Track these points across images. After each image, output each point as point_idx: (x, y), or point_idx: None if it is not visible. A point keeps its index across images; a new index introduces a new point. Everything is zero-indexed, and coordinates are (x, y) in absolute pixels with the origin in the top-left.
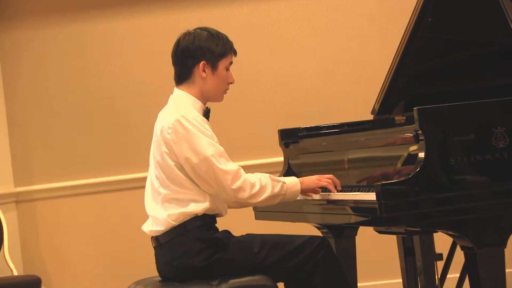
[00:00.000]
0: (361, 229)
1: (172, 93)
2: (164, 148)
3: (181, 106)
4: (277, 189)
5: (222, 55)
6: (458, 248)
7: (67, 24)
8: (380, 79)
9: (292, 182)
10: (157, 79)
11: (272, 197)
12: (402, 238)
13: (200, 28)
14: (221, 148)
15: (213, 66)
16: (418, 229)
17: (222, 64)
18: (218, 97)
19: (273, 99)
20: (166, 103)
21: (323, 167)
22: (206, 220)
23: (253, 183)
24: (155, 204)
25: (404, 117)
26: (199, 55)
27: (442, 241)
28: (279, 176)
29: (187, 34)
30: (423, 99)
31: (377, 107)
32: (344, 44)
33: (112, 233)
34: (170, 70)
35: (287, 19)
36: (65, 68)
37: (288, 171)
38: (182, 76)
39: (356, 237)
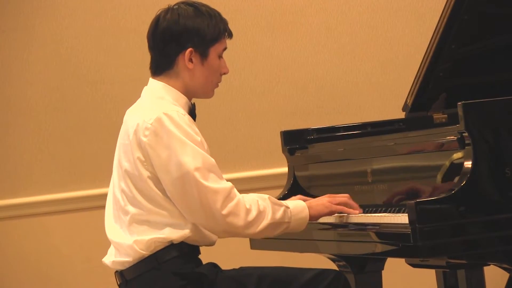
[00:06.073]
0: (389, 261)
1: (145, 85)
2: (138, 154)
3: (161, 100)
4: (279, 215)
5: (214, 40)
6: None
7: None
8: (415, 65)
9: (298, 206)
10: (112, 58)
11: (273, 225)
12: (443, 273)
13: (185, 3)
14: (212, 160)
15: (203, 54)
16: (463, 262)
17: (214, 51)
18: (208, 93)
19: (274, 91)
20: (125, 95)
21: (340, 181)
22: (185, 249)
23: (248, 208)
24: (119, 227)
25: (446, 115)
26: (185, 40)
27: (495, 277)
28: (282, 193)
29: (169, 11)
30: (471, 91)
31: (410, 102)
32: (367, 19)
33: (59, 268)
34: (132, 44)
35: None
36: None
37: (294, 186)
38: (161, 65)
39: (383, 272)
